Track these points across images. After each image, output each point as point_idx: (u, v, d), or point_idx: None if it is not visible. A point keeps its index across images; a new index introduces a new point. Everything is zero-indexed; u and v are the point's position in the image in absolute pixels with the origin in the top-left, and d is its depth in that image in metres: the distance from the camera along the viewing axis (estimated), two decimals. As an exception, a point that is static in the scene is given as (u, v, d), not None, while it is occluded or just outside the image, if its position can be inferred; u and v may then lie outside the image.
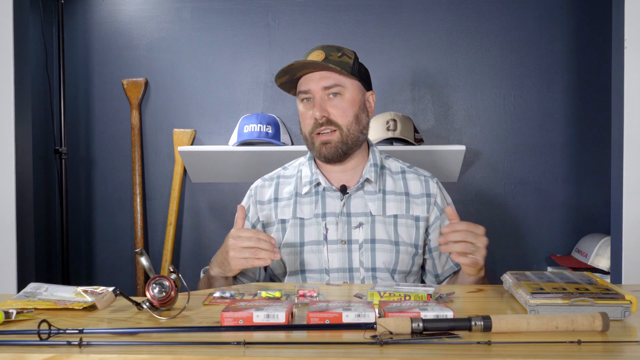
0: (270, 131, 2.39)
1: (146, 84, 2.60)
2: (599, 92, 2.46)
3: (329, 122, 1.51)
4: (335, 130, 1.52)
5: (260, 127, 2.39)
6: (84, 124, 2.64)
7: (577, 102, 2.51)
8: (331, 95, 1.52)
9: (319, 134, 1.52)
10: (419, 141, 2.39)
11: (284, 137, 2.43)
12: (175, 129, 2.57)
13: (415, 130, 2.39)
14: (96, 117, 2.64)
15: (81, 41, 2.62)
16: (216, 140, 2.58)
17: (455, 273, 1.59)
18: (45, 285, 1.21)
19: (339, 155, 1.53)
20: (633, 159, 1.88)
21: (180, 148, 2.44)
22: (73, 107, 2.61)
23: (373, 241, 1.54)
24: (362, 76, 1.57)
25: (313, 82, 1.52)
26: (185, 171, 2.59)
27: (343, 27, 2.55)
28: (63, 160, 2.52)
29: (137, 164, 2.58)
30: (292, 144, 2.48)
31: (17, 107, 2.00)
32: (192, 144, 2.57)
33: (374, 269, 1.53)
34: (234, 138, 2.43)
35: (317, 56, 1.52)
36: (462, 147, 2.35)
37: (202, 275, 1.61)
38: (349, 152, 1.54)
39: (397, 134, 2.32)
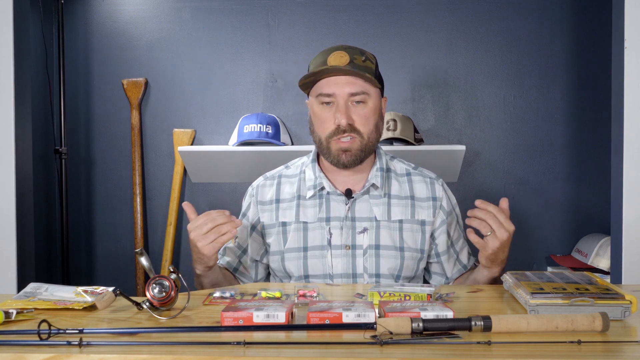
0: (270, 131, 2.39)
1: (146, 84, 2.60)
2: (599, 92, 2.46)
3: (352, 129, 1.47)
4: (355, 138, 1.48)
5: (260, 127, 2.39)
6: (84, 124, 2.64)
7: (577, 102, 2.51)
8: (355, 102, 1.48)
9: (339, 139, 1.48)
10: (419, 141, 2.39)
11: (284, 137, 2.43)
12: (175, 129, 2.57)
13: (415, 130, 2.40)
14: (96, 117, 2.64)
15: (81, 41, 2.62)
16: (216, 140, 2.58)
17: (467, 272, 1.58)
18: (45, 285, 1.21)
19: (356, 163, 1.50)
20: (633, 159, 1.88)
21: (180, 148, 2.44)
22: (73, 107, 2.61)
23: (377, 247, 1.51)
24: (382, 82, 1.55)
25: (338, 87, 1.47)
26: (185, 171, 2.59)
27: (343, 27, 2.55)
28: (63, 160, 2.52)
29: (137, 164, 2.58)
30: (292, 144, 2.48)
31: (17, 107, 2.00)
32: (192, 144, 2.57)
33: (378, 275, 1.51)
34: (234, 138, 2.43)
35: (340, 58, 1.46)
36: (462, 147, 2.35)
37: None
38: (365, 158, 1.52)
39: (397, 134, 2.33)
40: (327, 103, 1.49)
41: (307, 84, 1.53)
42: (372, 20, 2.54)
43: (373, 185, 1.54)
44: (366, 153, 1.51)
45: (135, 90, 2.58)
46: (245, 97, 2.59)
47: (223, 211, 1.36)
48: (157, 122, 2.61)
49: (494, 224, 1.31)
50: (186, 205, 1.42)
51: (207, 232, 1.34)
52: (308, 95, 1.57)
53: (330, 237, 1.52)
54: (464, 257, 1.60)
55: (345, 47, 1.50)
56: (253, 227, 1.60)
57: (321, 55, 1.51)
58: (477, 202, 1.34)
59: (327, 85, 1.48)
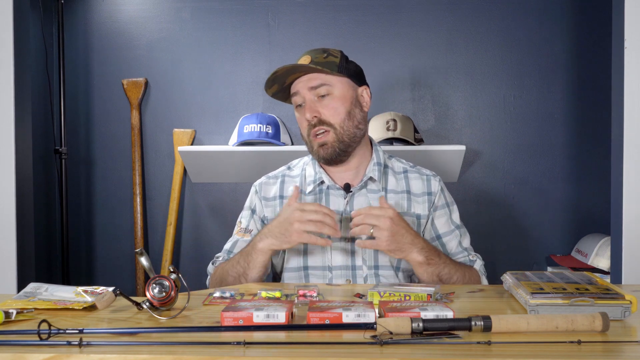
0: (270, 131, 2.39)
1: (146, 84, 2.60)
2: (599, 92, 2.46)
3: (322, 122, 1.52)
4: (329, 131, 1.52)
5: (260, 127, 2.39)
6: (84, 124, 2.64)
7: (577, 102, 2.51)
8: (321, 96, 1.53)
9: (316, 135, 1.53)
10: (419, 141, 2.39)
11: (284, 137, 2.43)
12: (175, 129, 2.57)
13: (415, 130, 2.39)
14: (96, 117, 2.64)
15: (81, 41, 2.62)
16: (216, 140, 2.58)
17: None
18: (45, 285, 1.21)
19: (337, 154, 1.53)
20: (633, 159, 1.88)
21: (180, 148, 2.44)
22: (73, 107, 2.61)
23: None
24: (351, 72, 1.57)
25: (300, 84, 1.54)
26: (185, 171, 2.59)
27: (343, 27, 2.55)
28: (63, 160, 2.52)
29: (137, 164, 2.58)
30: (292, 144, 2.48)
31: (17, 107, 2.00)
32: (192, 144, 2.57)
33: (376, 267, 1.53)
34: (234, 138, 2.43)
35: (303, 61, 1.53)
36: (462, 147, 2.35)
37: (210, 267, 1.61)
38: (348, 149, 1.55)
39: (397, 134, 2.33)
40: (300, 105, 1.56)
41: (279, 95, 1.61)
42: (372, 20, 2.54)
43: (371, 178, 1.58)
44: (346, 143, 1.53)
45: (135, 90, 2.58)
46: (245, 97, 2.59)
47: (333, 212, 1.38)
48: (157, 122, 2.61)
49: (370, 219, 1.35)
50: (296, 189, 1.44)
51: (310, 220, 1.35)
52: None
53: None
54: (450, 249, 1.60)
55: (310, 50, 1.57)
56: (262, 222, 1.63)
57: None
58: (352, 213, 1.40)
59: (293, 87, 1.57)
